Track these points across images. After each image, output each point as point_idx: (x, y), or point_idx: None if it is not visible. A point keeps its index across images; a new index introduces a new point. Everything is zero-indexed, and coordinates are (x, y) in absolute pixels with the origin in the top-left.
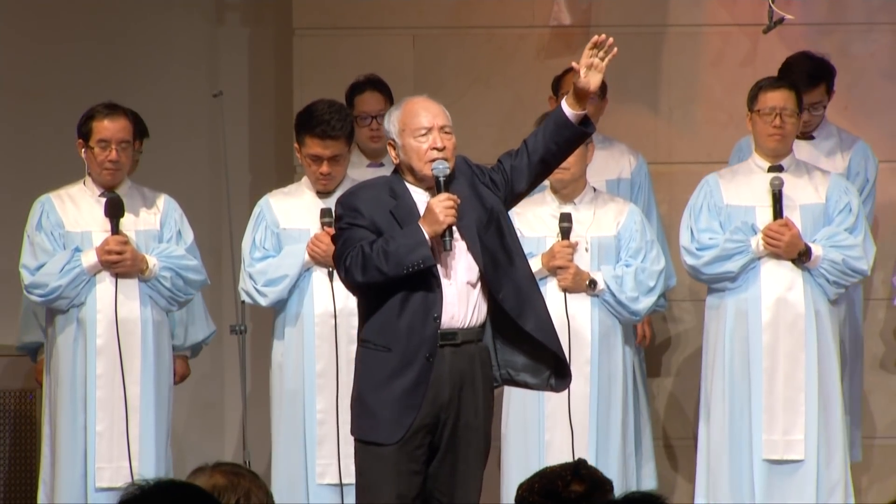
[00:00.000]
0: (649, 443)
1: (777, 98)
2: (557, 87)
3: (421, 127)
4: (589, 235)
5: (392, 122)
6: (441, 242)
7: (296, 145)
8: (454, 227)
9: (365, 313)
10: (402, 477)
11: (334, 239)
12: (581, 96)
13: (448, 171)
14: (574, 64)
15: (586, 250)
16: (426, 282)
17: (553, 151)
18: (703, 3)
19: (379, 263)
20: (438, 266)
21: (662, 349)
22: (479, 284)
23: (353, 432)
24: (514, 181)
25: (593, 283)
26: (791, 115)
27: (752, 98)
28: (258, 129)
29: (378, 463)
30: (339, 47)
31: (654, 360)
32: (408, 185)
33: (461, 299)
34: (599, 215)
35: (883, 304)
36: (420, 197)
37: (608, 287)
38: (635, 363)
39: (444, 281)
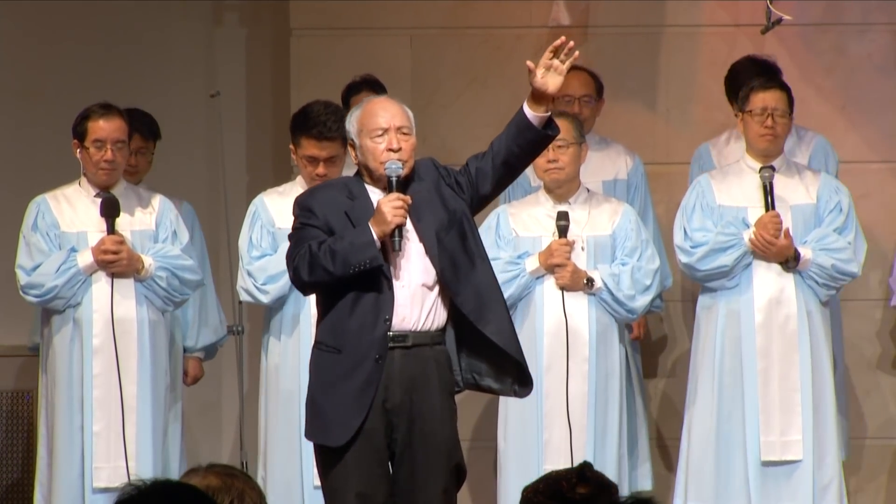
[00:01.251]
0: (645, 443)
1: (768, 98)
2: None
3: (378, 128)
4: (584, 235)
5: (352, 123)
6: (391, 243)
7: (291, 146)
8: (406, 228)
9: (320, 314)
10: (363, 479)
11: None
12: (539, 98)
13: (401, 172)
14: (529, 63)
15: (582, 249)
16: (378, 283)
17: (516, 154)
18: (701, 3)
19: (325, 263)
20: (392, 268)
21: (658, 350)
22: (437, 287)
23: (306, 434)
24: (479, 183)
25: (591, 280)
26: (783, 116)
27: (744, 98)
28: (255, 130)
29: (337, 466)
30: (337, 48)
31: (649, 361)
32: (366, 185)
33: (414, 301)
34: (594, 215)
35: (880, 304)
36: (377, 198)
37: (605, 285)
38: (632, 363)
39: (396, 283)
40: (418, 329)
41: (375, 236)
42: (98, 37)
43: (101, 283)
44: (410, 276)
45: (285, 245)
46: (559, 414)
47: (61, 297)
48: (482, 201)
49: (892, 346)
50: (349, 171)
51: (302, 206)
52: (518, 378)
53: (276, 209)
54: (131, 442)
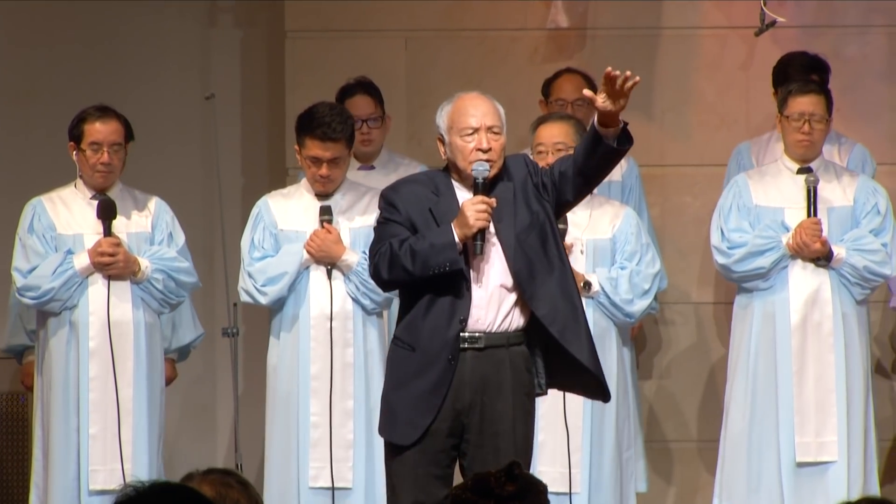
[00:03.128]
0: (640, 444)
1: (806, 104)
2: (548, 91)
3: (468, 126)
4: (584, 238)
5: (442, 118)
6: (472, 246)
7: (296, 147)
8: (489, 231)
9: (401, 311)
10: (420, 480)
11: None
12: (604, 117)
13: (488, 173)
14: (587, 93)
15: (581, 252)
16: (455, 283)
17: (590, 166)
18: (696, 5)
19: (405, 262)
20: (470, 269)
21: (654, 351)
22: (516, 289)
23: (378, 431)
24: (562, 188)
25: (588, 284)
26: (820, 121)
27: (782, 101)
28: (250, 132)
29: (399, 464)
30: (332, 50)
31: (644, 362)
32: (454, 182)
33: (491, 303)
34: (595, 217)
35: (878, 306)
36: (464, 196)
37: (602, 289)
38: (627, 364)
39: (474, 284)
40: (493, 330)
41: (457, 238)
42: (93, 39)
43: (97, 285)
44: (488, 278)
45: (287, 247)
46: (556, 417)
47: (58, 299)
48: (564, 207)
49: (890, 349)
50: (352, 172)
51: (386, 201)
52: (597, 387)
53: (279, 211)
54: (127, 444)
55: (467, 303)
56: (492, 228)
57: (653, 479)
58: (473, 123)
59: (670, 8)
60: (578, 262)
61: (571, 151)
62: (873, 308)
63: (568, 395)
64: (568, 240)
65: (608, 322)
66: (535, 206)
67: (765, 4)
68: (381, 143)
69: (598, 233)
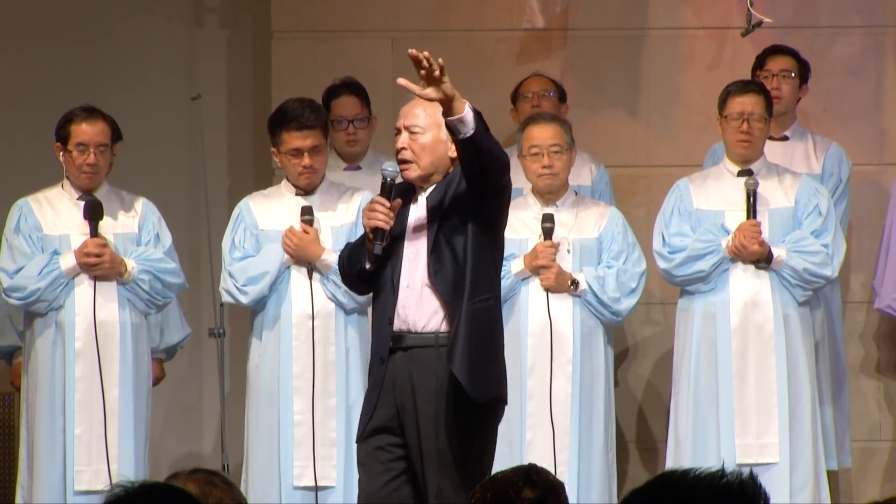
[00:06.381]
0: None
1: (745, 103)
2: (515, 98)
3: (395, 128)
4: (571, 237)
5: None
6: (373, 245)
7: (273, 149)
8: (389, 232)
9: None
10: (369, 477)
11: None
12: (442, 104)
13: (397, 174)
14: (400, 81)
15: (568, 251)
16: (385, 285)
17: (459, 157)
18: (681, 6)
19: (343, 264)
20: (402, 269)
21: (636, 351)
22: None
23: None
24: (466, 181)
25: (575, 283)
26: (759, 120)
27: (721, 102)
28: (236, 133)
29: (358, 462)
30: (318, 50)
31: (628, 362)
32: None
33: (418, 303)
34: (581, 218)
35: (863, 307)
36: (410, 200)
37: (590, 287)
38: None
39: (402, 284)
40: (419, 331)
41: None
42: (79, 39)
43: (83, 285)
44: (415, 278)
45: (268, 246)
46: (543, 414)
47: (44, 299)
48: (476, 199)
49: (875, 349)
50: (330, 172)
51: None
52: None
53: (259, 211)
54: (113, 445)
55: (393, 303)
56: (424, 230)
57: (638, 478)
58: (398, 124)
59: (655, 9)
60: (566, 262)
61: (564, 154)
62: (859, 308)
63: (554, 393)
64: (555, 239)
65: (595, 321)
66: (460, 202)
67: (751, 5)
68: (368, 143)
69: (585, 232)
